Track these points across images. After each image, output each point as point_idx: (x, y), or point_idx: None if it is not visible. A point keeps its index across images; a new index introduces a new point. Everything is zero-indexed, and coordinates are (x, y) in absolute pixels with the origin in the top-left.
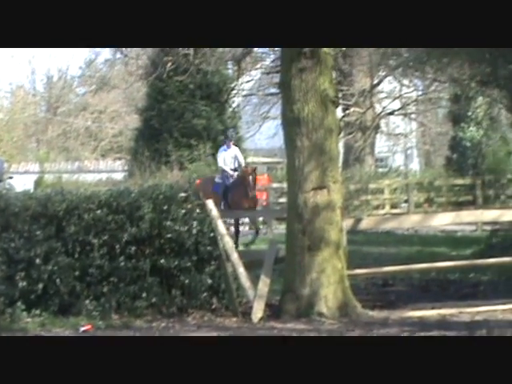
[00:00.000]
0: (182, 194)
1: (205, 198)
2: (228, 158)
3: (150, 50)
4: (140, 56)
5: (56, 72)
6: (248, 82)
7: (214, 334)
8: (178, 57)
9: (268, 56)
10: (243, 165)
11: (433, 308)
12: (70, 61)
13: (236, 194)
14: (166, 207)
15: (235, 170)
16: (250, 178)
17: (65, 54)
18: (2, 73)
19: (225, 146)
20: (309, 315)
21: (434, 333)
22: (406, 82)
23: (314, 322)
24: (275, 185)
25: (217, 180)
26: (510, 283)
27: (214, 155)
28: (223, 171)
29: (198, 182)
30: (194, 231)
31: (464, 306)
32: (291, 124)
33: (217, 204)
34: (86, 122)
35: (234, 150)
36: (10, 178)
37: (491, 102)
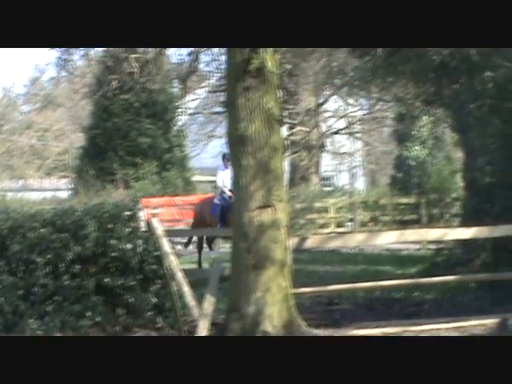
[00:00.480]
0: (127, 213)
1: (203, 222)
2: (226, 179)
3: (95, 68)
4: (85, 74)
5: (0, 90)
6: (193, 100)
7: None
8: (123, 75)
9: (213, 75)
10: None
11: (377, 327)
12: (14, 79)
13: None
14: (110, 226)
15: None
16: None
17: (9, 72)
18: None
19: (222, 166)
20: (254, 334)
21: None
22: (351, 101)
23: None
24: None
25: (216, 201)
26: (453, 302)
27: (160, 173)
28: (222, 192)
29: (145, 200)
30: (139, 250)
31: (408, 324)
32: (236, 143)
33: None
34: (31, 140)
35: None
36: None
37: (436, 121)
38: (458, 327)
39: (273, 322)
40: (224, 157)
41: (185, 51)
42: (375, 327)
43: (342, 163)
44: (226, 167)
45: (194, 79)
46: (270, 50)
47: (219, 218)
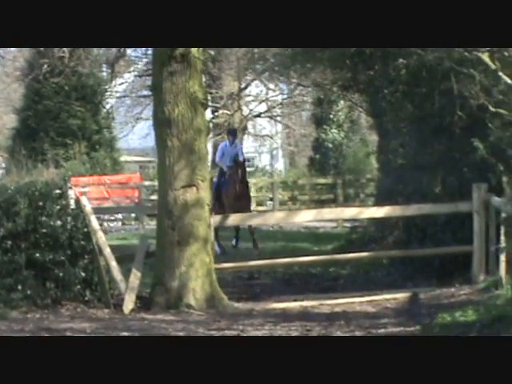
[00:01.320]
0: (57, 191)
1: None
2: (227, 155)
3: (26, 52)
4: (17, 58)
5: None
6: (121, 84)
7: (87, 324)
8: (54, 59)
9: (140, 60)
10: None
11: (295, 300)
12: None
13: (226, 191)
14: (41, 203)
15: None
16: (239, 172)
17: None
18: None
19: (226, 142)
20: (178, 307)
21: (296, 323)
22: (271, 85)
23: (182, 313)
24: (147, 183)
25: (214, 179)
26: (367, 277)
27: (89, 154)
28: (220, 169)
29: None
30: (69, 226)
31: (324, 298)
32: (162, 125)
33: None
34: None
35: (236, 148)
36: None
37: (352, 106)
38: (371, 301)
39: (196, 295)
40: (229, 132)
41: None
42: (293, 300)
43: (262, 145)
44: (231, 143)
45: (122, 64)
46: None
47: (213, 195)
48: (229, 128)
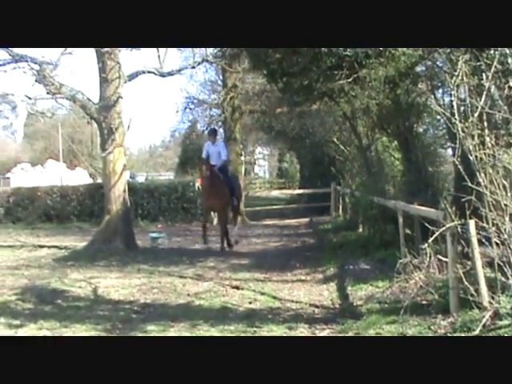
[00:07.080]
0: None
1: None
2: (211, 153)
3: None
4: None
5: None
6: None
7: None
8: None
9: None
10: (225, 159)
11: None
12: None
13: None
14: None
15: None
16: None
17: None
18: None
19: (209, 142)
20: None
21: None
22: (263, 149)
23: None
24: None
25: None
26: (296, 213)
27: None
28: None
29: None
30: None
31: (279, 219)
32: None
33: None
34: None
35: (218, 146)
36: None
37: (291, 155)
38: (297, 221)
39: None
40: (211, 132)
41: None
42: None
43: (260, 169)
44: (213, 142)
45: None
46: (238, 126)
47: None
48: (209, 129)
